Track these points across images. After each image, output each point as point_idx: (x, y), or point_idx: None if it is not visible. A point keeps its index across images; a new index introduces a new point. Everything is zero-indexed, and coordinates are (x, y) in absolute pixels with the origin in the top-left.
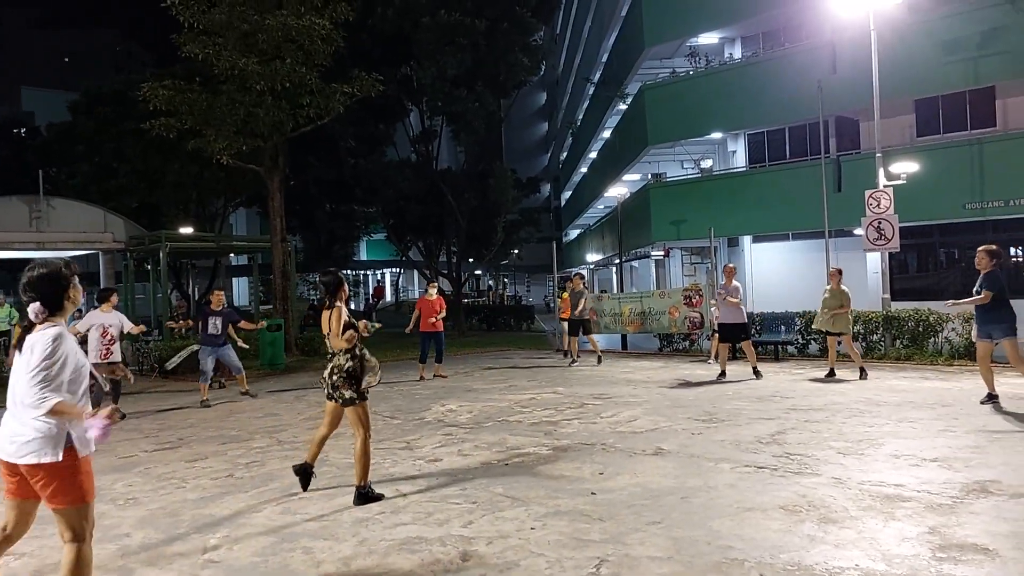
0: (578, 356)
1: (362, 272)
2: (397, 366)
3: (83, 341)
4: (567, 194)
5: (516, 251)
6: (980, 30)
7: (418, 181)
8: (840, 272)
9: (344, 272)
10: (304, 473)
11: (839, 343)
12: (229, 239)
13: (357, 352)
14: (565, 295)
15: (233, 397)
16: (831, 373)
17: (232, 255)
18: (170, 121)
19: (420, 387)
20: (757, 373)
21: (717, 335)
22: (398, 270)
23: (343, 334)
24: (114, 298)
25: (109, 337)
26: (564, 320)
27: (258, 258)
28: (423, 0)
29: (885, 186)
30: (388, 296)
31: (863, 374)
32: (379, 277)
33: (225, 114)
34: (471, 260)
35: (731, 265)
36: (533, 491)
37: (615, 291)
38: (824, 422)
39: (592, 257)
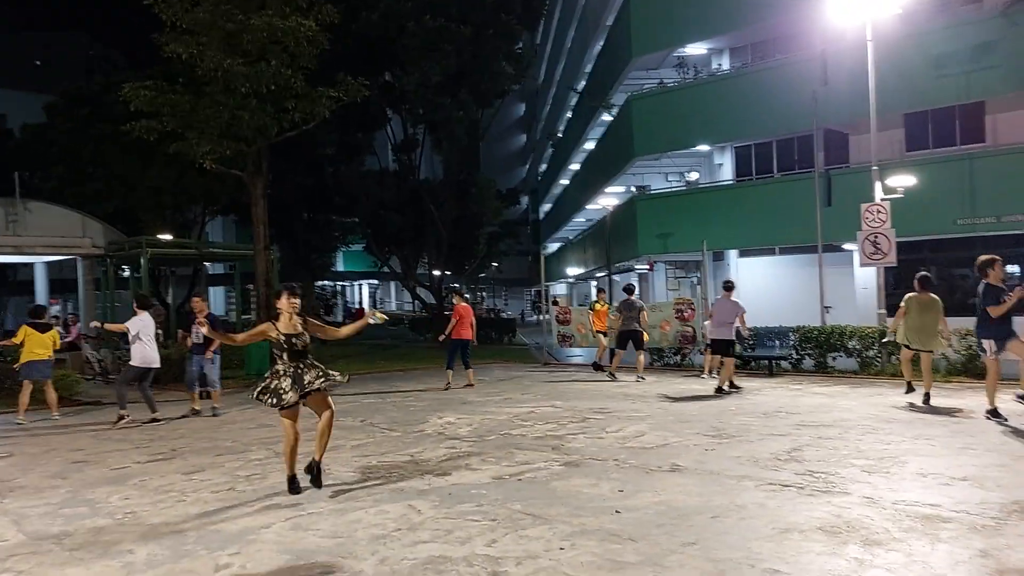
0: (615, 370)
1: (340, 283)
2: (389, 377)
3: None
4: (547, 207)
5: (496, 264)
6: (972, 44)
7: (398, 190)
8: (926, 279)
9: (322, 283)
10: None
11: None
12: (211, 246)
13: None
14: (599, 306)
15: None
16: (919, 394)
17: (209, 263)
18: (151, 123)
19: (412, 399)
20: (720, 391)
21: (710, 350)
22: (376, 282)
23: (343, 327)
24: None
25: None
26: (600, 332)
27: (238, 267)
28: (408, 5)
29: (882, 199)
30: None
31: (927, 398)
32: (356, 301)
33: (209, 116)
34: (448, 272)
35: (730, 280)
36: (553, 508)
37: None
38: (839, 439)
39: (573, 271)
